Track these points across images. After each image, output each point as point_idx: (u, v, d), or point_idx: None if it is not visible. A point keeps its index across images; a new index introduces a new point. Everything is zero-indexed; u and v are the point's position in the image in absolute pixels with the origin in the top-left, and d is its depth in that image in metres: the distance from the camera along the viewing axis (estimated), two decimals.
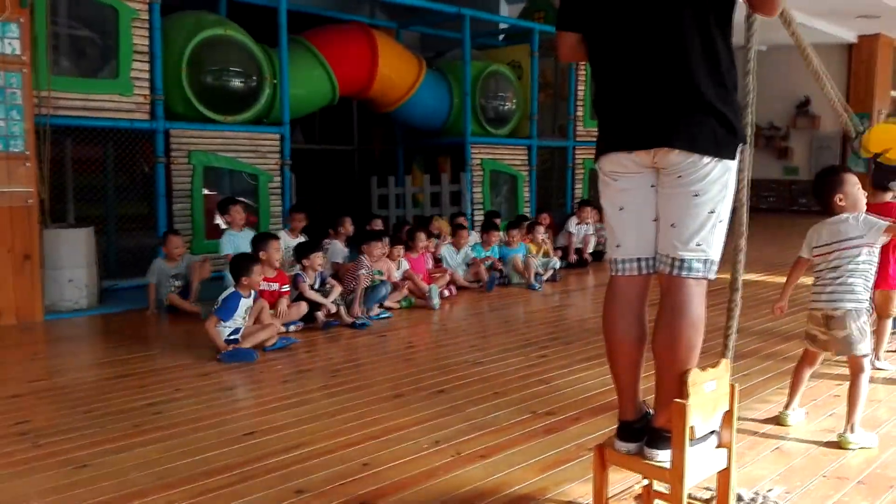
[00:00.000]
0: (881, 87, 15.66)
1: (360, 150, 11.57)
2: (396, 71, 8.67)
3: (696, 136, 2.08)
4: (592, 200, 9.07)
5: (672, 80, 2.09)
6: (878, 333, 4.12)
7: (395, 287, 5.99)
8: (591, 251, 8.67)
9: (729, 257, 2.32)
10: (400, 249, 6.24)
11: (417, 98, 8.95)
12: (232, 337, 4.47)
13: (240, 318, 4.55)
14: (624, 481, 2.57)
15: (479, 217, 8.85)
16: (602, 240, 8.61)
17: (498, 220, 7.75)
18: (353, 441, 3.06)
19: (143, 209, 6.91)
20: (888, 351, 4.34)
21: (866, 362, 3.05)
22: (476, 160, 9.19)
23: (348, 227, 6.85)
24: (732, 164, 2.15)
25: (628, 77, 2.16)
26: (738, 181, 2.26)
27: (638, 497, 2.46)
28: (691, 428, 2.02)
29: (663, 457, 2.12)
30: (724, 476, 2.23)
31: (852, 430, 3.02)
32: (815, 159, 16.17)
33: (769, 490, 2.57)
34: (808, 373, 3.31)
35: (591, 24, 2.26)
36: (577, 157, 10.31)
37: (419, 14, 9.74)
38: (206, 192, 6.85)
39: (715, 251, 2.16)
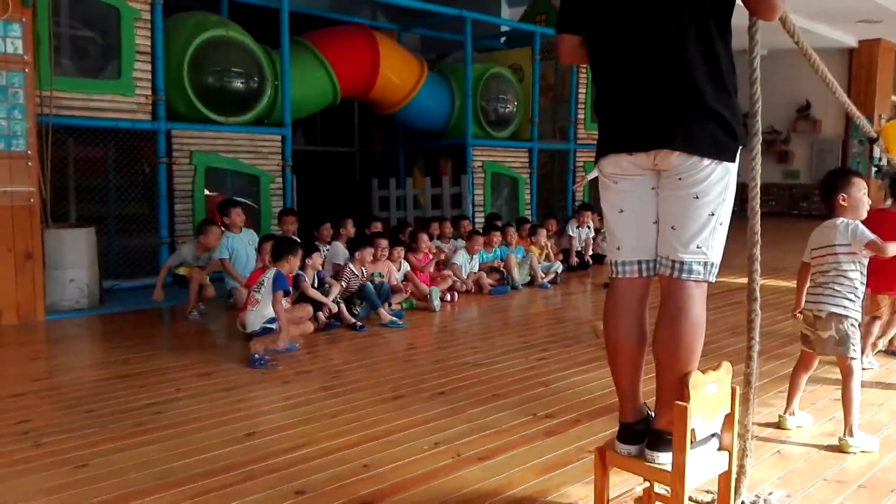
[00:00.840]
0: (882, 92, 15.69)
1: (362, 151, 11.59)
2: (398, 73, 8.68)
3: (696, 138, 2.08)
4: (592, 204, 9.08)
5: (672, 82, 2.09)
6: (864, 333, 4.11)
7: (396, 289, 5.99)
8: (591, 254, 8.66)
9: (744, 266, 2.31)
10: (401, 251, 6.24)
11: (418, 100, 8.97)
12: (269, 325, 4.43)
13: (284, 301, 4.54)
14: (625, 483, 2.57)
15: (479, 218, 8.86)
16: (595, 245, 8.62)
17: (498, 223, 7.74)
18: (354, 442, 3.06)
19: (144, 209, 6.92)
20: (881, 351, 4.36)
21: (855, 365, 3.06)
22: (477, 162, 9.21)
23: (350, 228, 6.84)
24: (733, 167, 2.16)
25: (628, 79, 2.17)
26: (749, 189, 2.25)
27: (638, 499, 2.46)
28: (692, 430, 2.02)
29: (664, 459, 2.13)
30: (724, 478, 2.23)
31: (851, 434, 3.03)
32: (815, 163, 16.20)
33: (770, 493, 2.57)
34: (804, 376, 3.31)
35: (592, 27, 2.27)
36: (577, 159, 10.33)
37: (421, 16, 9.76)
38: (207, 192, 6.86)
39: (715, 254, 2.16)
